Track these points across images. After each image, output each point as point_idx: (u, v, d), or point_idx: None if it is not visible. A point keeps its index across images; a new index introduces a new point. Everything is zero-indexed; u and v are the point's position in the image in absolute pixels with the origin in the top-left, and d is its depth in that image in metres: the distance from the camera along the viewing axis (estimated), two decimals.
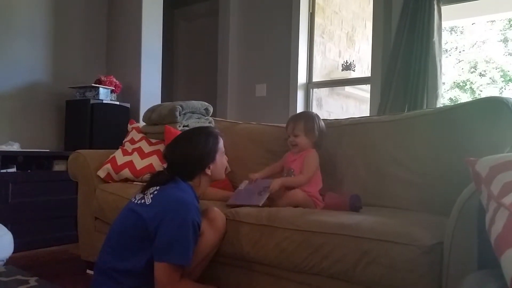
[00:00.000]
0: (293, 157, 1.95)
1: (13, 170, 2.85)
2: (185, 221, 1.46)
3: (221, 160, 1.73)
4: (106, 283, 1.51)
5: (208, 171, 1.66)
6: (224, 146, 2.52)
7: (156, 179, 1.63)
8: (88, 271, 2.31)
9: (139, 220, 1.49)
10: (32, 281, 1.63)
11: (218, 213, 1.69)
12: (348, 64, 4.29)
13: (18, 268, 1.78)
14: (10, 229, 2.04)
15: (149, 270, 1.48)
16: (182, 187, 1.59)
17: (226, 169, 2.43)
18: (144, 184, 1.65)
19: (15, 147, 2.97)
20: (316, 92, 3.86)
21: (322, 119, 2.36)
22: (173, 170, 1.64)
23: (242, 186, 1.96)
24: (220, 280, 1.75)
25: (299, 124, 1.92)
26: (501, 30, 5.09)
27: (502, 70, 5.30)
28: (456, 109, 1.85)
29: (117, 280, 1.49)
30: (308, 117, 1.96)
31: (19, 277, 1.67)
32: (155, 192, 1.56)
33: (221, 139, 1.75)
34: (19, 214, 2.78)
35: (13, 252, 1.98)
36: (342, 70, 4.31)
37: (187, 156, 1.64)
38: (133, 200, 1.59)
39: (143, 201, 1.54)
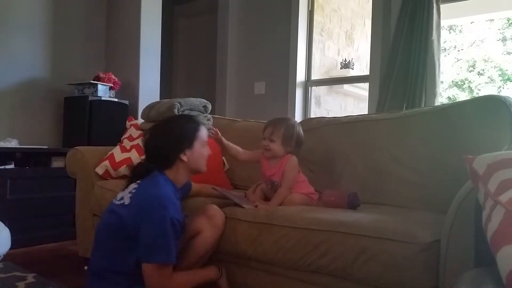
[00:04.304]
0: (270, 168, 1.87)
1: (11, 166, 2.84)
2: (163, 219, 1.43)
3: (200, 150, 1.64)
4: (101, 283, 1.51)
5: (184, 157, 1.59)
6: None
7: (136, 171, 1.61)
8: (86, 268, 2.31)
9: (120, 222, 1.47)
10: (30, 277, 1.63)
11: (217, 211, 1.69)
12: (347, 62, 4.30)
13: (16, 265, 1.78)
14: (8, 226, 2.04)
15: (137, 268, 1.47)
16: (159, 181, 1.54)
17: (224, 165, 2.44)
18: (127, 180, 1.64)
19: (13, 143, 2.97)
20: (315, 90, 3.87)
21: (320, 117, 2.38)
22: (151, 158, 1.61)
23: (233, 192, 2.00)
24: None
25: (279, 130, 1.82)
26: (499, 29, 5.10)
27: (501, 69, 5.31)
28: (454, 107, 1.85)
29: (111, 280, 1.49)
30: (288, 124, 1.85)
31: (17, 273, 1.67)
32: (133, 190, 1.53)
33: (204, 129, 1.68)
34: (17, 210, 2.77)
35: (11, 249, 1.98)
36: (341, 68, 4.31)
37: (163, 138, 1.61)
38: (114, 201, 1.56)
39: (122, 201, 1.52)
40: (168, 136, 1.61)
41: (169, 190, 1.54)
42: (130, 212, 1.47)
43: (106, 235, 1.53)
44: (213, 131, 1.95)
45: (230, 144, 2.00)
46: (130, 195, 1.52)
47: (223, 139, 1.96)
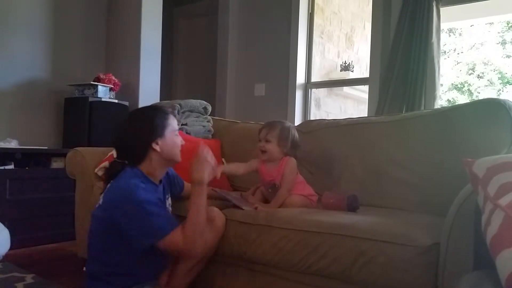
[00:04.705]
0: (269, 172, 1.86)
1: (11, 167, 2.84)
2: (135, 207, 1.40)
3: (173, 138, 1.58)
4: (99, 285, 1.52)
5: (157, 147, 1.53)
6: (223, 145, 2.54)
7: (110, 172, 1.57)
8: (85, 269, 2.31)
9: (99, 224, 1.50)
10: (29, 278, 1.63)
11: (217, 213, 1.68)
12: (346, 64, 4.30)
13: (15, 265, 1.78)
14: (7, 226, 2.04)
15: (133, 268, 1.48)
16: (126, 172, 1.50)
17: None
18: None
19: (13, 144, 2.96)
20: (315, 92, 3.87)
21: (320, 119, 2.39)
22: (122, 154, 1.57)
23: (232, 194, 1.98)
24: (217, 279, 1.75)
25: (274, 130, 1.83)
26: (499, 32, 5.11)
27: (500, 72, 5.32)
28: (454, 110, 1.85)
29: (108, 281, 1.50)
30: (283, 126, 1.87)
31: (15, 274, 1.67)
32: (106, 190, 1.53)
33: (173, 118, 1.63)
34: (17, 211, 2.77)
35: (10, 249, 1.98)
36: (341, 71, 4.31)
37: (133, 129, 1.56)
38: (96, 205, 1.56)
39: (100, 202, 1.52)
40: (137, 127, 1.56)
41: (137, 180, 1.48)
42: (104, 212, 1.48)
43: (94, 239, 1.55)
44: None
45: (226, 168, 1.96)
46: (103, 194, 1.53)
47: (218, 171, 1.80)
